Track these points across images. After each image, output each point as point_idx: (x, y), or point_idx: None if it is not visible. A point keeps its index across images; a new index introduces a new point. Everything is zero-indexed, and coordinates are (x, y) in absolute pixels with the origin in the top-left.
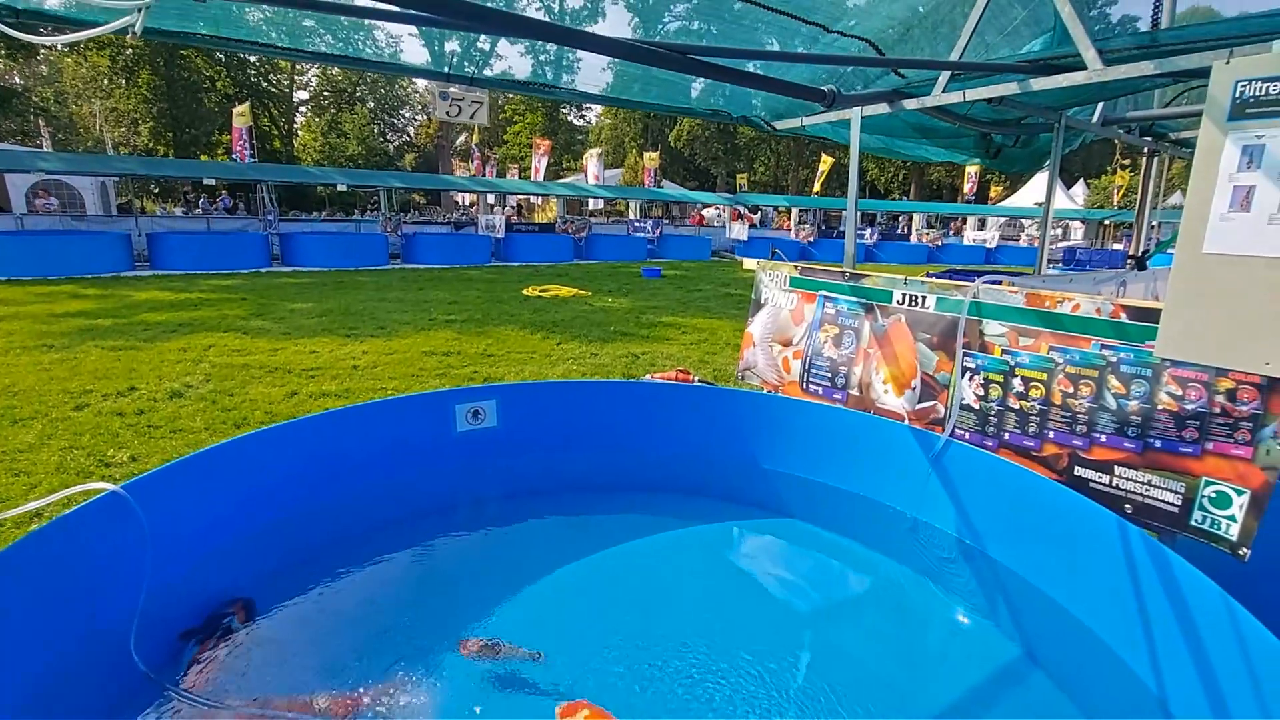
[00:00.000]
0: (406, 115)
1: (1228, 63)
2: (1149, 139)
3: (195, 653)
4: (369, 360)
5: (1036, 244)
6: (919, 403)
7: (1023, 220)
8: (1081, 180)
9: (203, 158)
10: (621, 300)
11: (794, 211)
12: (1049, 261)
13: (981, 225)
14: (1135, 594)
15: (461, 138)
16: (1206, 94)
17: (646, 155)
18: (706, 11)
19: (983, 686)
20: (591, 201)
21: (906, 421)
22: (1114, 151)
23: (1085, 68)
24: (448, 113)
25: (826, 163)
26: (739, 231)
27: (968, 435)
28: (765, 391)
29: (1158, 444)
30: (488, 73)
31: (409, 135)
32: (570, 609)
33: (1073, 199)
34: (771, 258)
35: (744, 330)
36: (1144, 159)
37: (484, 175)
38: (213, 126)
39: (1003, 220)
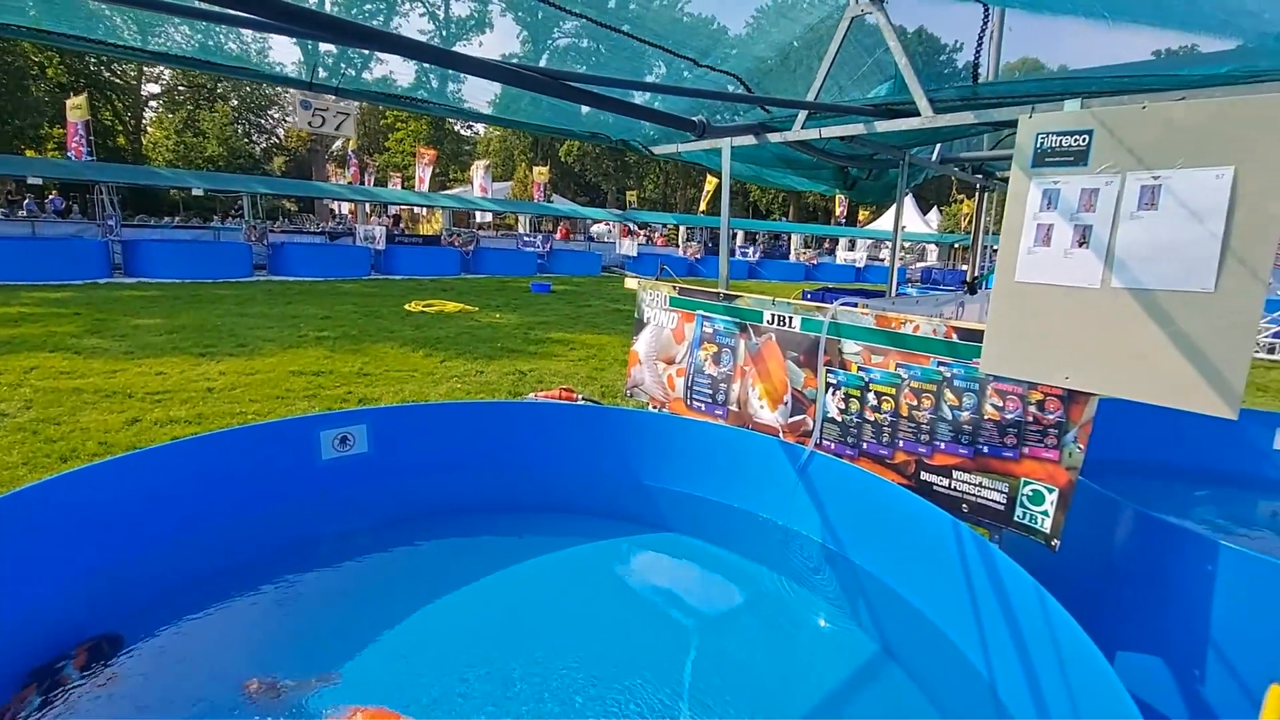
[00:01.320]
0: (275, 116)
1: (1030, 117)
2: (980, 176)
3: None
4: (226, 382)
5: (900, 264)
6: (791, 416)
7: (886, 242)
8: (935, 207)
9: (28, 153)
10: (510, 316)
11: (681, 229)
12: (909, 280)
13: (852, 246)
14: (968, 588)
15: (338, 142)
16: (1015, 142)
17: (536, 169)
18: (596, 32)
19: (846, 683)
20: (479, 214)
21: (781, 434)
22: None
23: (920, 114)
24: (310, 123)
25: (712, 183)
26: (628, 247)
27: (833, 446)
28: (653, 408)
29: (985, 449)
30: (368, 76)
31: (278, 137)
32: (442, 638)
33: (928, 224)
34: (660, 274)
35: (630, 348)
36: (977, 193)
37: (362, 183)
38: (41, 118)
39: (870, 241)
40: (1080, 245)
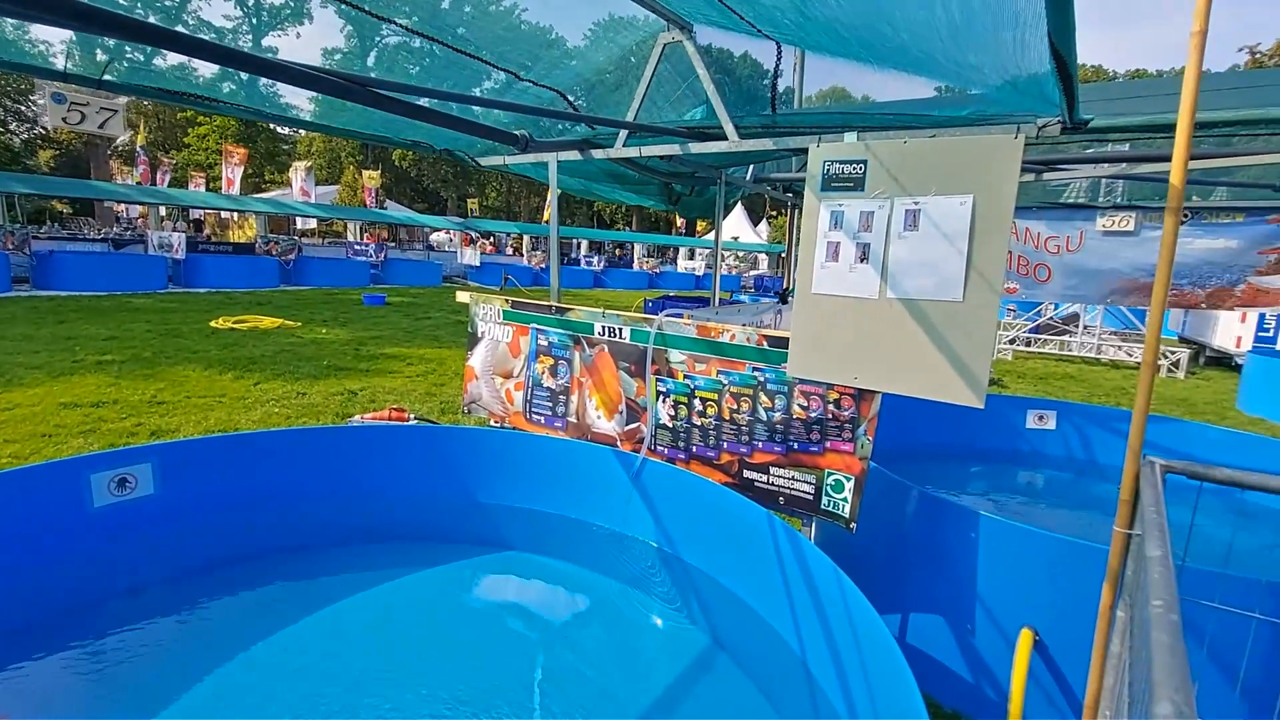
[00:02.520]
0: (40, 103)
1: (818, 145)
2: (790, 194)
3: None
4: None
5: (735, 272)
6: (627, 424)
7: (723, 251)
8: (765, 219)
9: None
10: (338, 331)
11: (526, 239)
12: (743, 288)
13: (691, 255)
14: (781, 575)
15: (124, 135)
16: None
17: (367, 173)
18: (428, 31)
19: (683, 677)
20: (302, 220)
21: (619, 443)
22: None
23: (727, 139)
24: (65, 119)
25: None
26: (471, 256)
27: (666, 451)
28: (494, 423)
29: (795, 445)
30: (160, 63)
31: (45, 128)
32: (272, 693)
33: (759, 234)
34: (505, 283)
35: (465, 363)
36: (788, 211)
37: (155, 184)
38: None
39: (708, 251)
40: (862, 261)
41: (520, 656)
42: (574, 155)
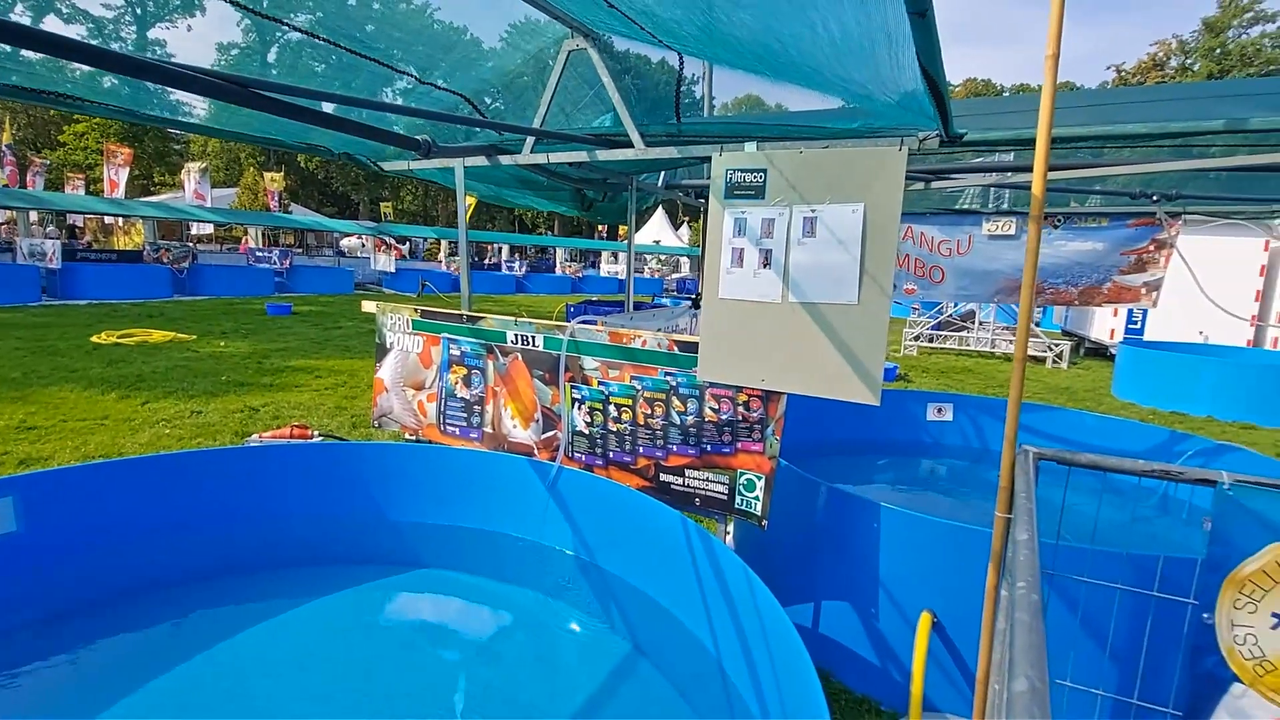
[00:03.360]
0: None
1: (720, 155)
2: (702, 200)
3: None
4: None
5: (658, 275)
6: (544, 433)
7: (646, 255)
8: (686, 222)
9: None
10: (239, 344)
11: (443, 244)
12: (666, 291)
13: (615, 259)
14: (695, 577)
15: None
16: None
17: (269, 175)
18: (333, 30)
19: (605, 686)
20: (198, 226)
21: (536, 452)
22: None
23: (634, 146)
24: None
25: (473, 197)
26: (385, 262)
27: (583, 458)
28: (407, 437)
29: (709, 447)
30: (31, 54)
31: None
32: None
33: (680, 238)
34: (422, 290)
35: (374, 376)
36: (701, 217)
37: (23, 185)
38: None
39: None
40: (765, 266)
41: (440, 677)
42: (481, 161)
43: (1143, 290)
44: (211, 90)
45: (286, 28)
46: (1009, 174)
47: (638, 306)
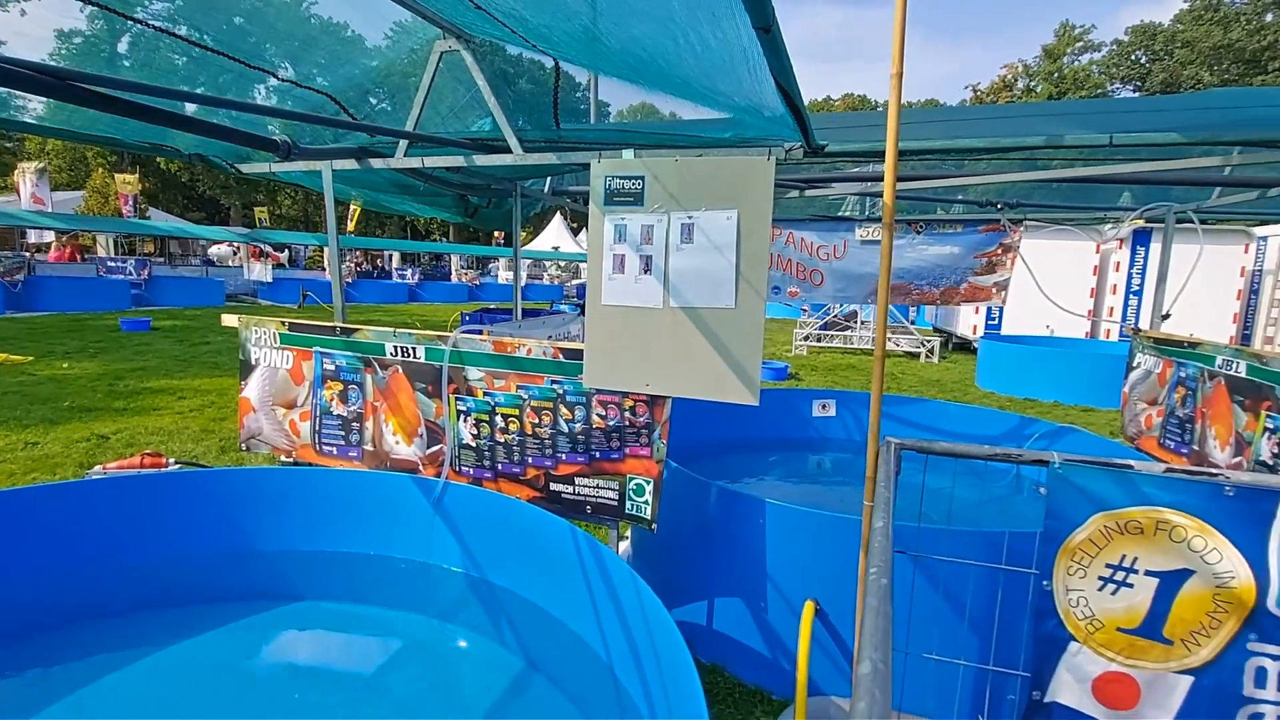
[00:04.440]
0: None
1: (599, 161)
2: (589, 207)
3: None
4: None
5: (558, 281)
6: (428, 448)
7: (545, 261)
8: (584, 228)
9: None
10: (86, 365)
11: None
12: (566, 297)
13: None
14: (586, 585)
15: None
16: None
17: (121, 177)
18: (196, 21)
19: (500, 704)
20: (36, 233)
21: (421, 468)
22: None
23: (512, 151)
24: None
25: (358, 201)
26: (260, 272)
27: (471, 471)
28: (280, 459)
29: (598, 454)
30: None
31: None
32: None
33: (579, 244)
34: (303, 301)
35: (239, 396)
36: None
37: None
38: None
39: (529, 261)
40: (645, 272)
41: (326, 718)
42: (350, 164)
43: (994, 289)
44: (40, 88)
45: (140, 15)
46: (877, 183)
47: (534, 314)
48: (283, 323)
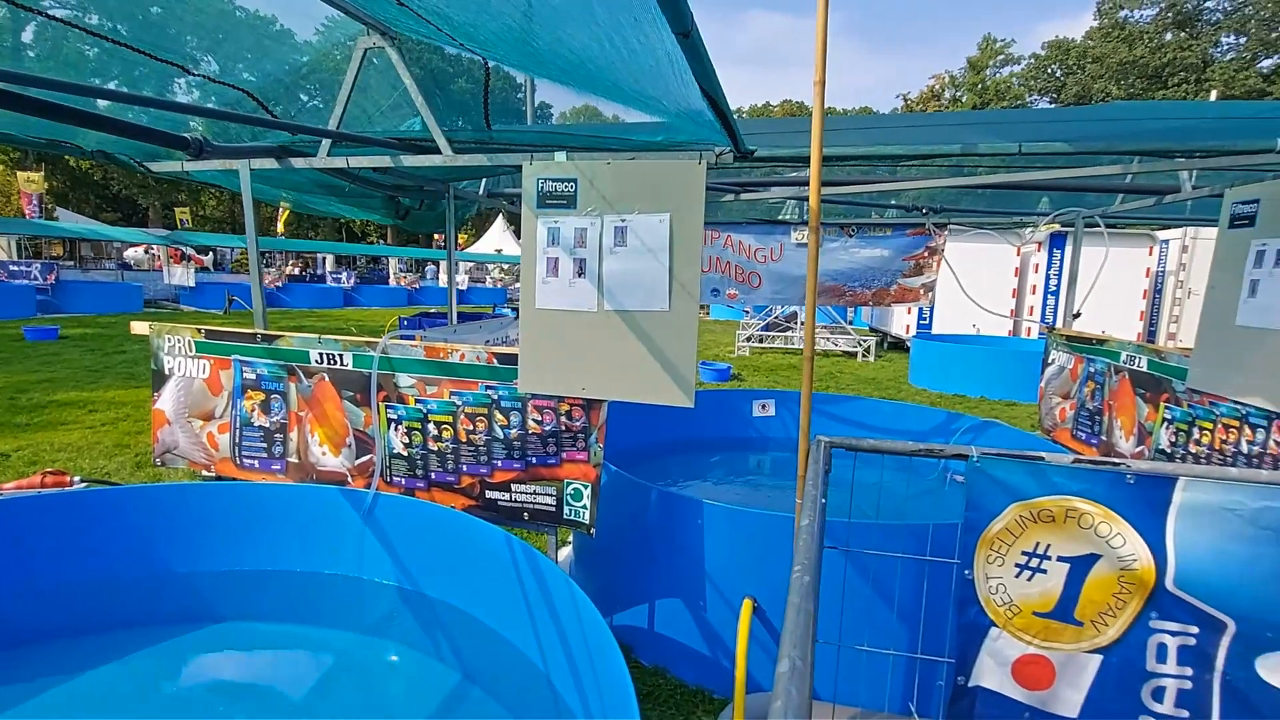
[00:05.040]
0: None
1: (531, 163)
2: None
3: None
4: None
5: (502, 285)
6: (358, 458)
7: (487, 265)
8: None
9: None
10: None
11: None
12: (510, 301)
13: (456, 268)
14: (522, 594)
15: None
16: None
17: (24, 175)
18: (111, 10)
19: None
20: None
21: (350, 479)
22: None
23: (441, 152)
24: None
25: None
26: (182, 276)
27: (403, 481)
28: (199, 474)
29: (534, 460)
30: None
31: None
32: None
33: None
34: (229, 306)
35: (153, 408)
36: None
37: None
38: None
39: (471, 264)
40: (579, 275)
41: None
42: (270, 163)
43: (921, 291)
44: None
45: (47, 3)
46: (807, 187)
47: (475, 317)
48: (198, 330)
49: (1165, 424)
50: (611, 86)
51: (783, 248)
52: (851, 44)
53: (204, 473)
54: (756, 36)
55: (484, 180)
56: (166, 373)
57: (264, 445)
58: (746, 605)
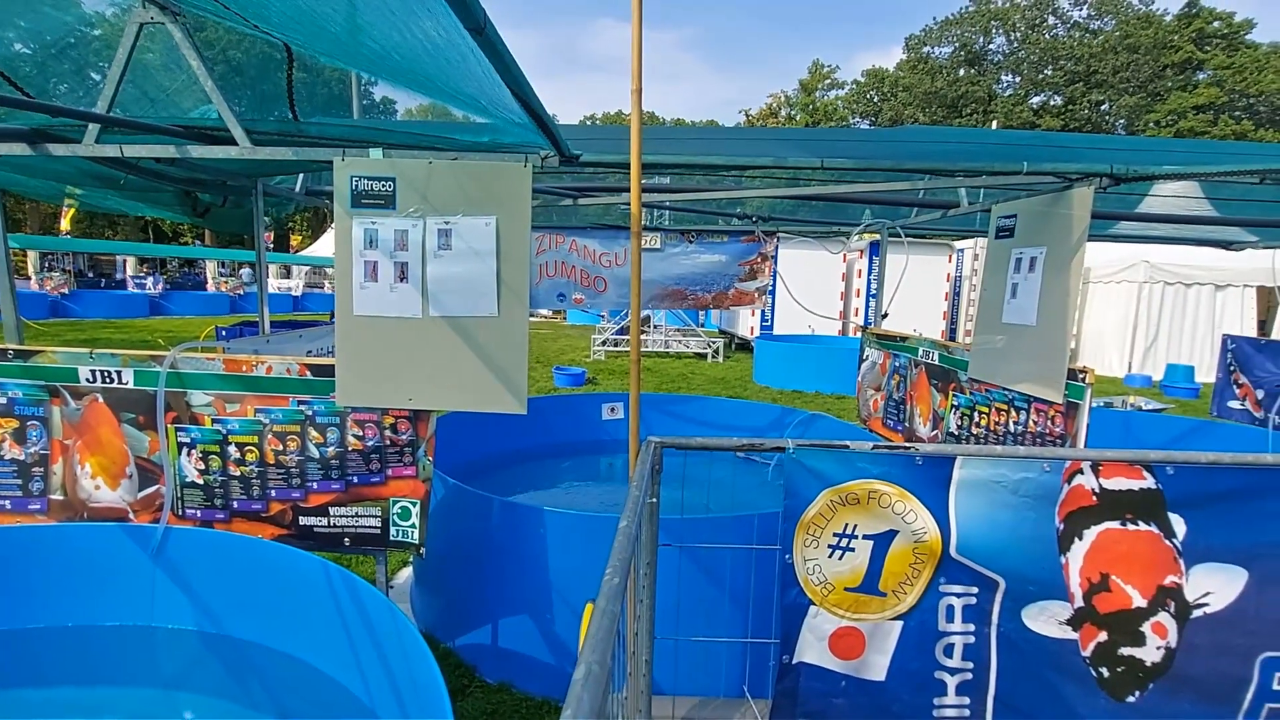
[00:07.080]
0: None
1: (343, 160)
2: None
3: None
4: None
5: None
6: (141, 491)
7: (326, 269)
8: None
9: None
10: None
11: (32, 256)
12: None
13: (287, 273)
14: (342, 624)
15: None
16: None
17: None
18: None
19: None
20: None
21: (132, 515)
22: None
23: (237, 144)
24: None
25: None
26: None
27: (199, 513)
28: None
29: (355, 479)
30: None
31: None
32: None
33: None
34: None
35: None
36: None
37: None
38: None
39: (308, 268)
40: (402, 280)
41: None
42: (21, 149)
43: (755, 294)
44: None
45: None
46: (649, 194)
47: (311, 325)
48: None
49: (953, 410)
50: (425, 81)
51: (626, 253)
52: (703, 62)
53: None
54: (609, 43)
55: (301, 176)
56: None
57: (18, 481)
58: (589, 610)
